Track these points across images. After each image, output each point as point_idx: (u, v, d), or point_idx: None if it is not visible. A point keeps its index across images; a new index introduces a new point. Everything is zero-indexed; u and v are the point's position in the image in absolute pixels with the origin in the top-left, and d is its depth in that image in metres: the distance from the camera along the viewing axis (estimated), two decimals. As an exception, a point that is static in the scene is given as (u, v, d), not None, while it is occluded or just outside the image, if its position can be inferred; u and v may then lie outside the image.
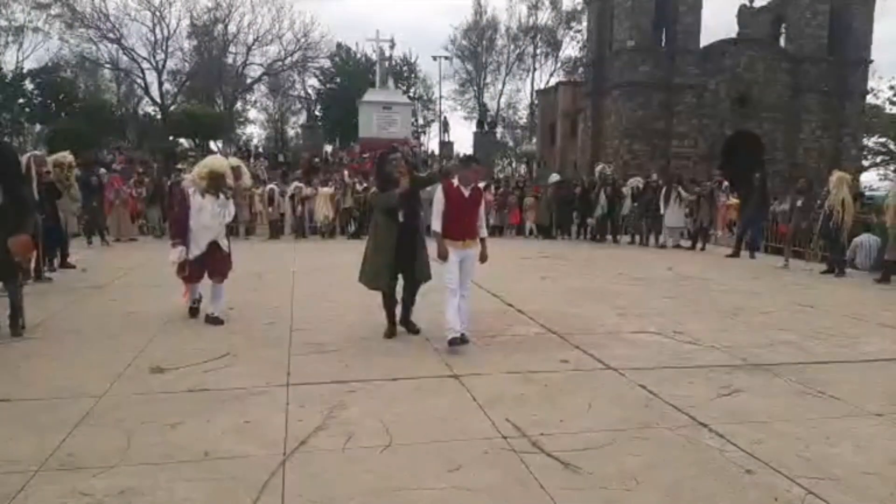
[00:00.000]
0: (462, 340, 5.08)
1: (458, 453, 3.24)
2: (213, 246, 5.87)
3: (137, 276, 8.82)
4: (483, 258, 5.37)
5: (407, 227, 5.31)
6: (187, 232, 5.77)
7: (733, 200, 15.04)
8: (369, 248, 5.44)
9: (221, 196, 5.86)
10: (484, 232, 5.42)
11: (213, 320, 5.89)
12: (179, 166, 18.54)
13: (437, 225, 5.11)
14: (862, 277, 9.64)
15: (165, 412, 3.72)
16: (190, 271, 5.86)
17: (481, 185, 5.43)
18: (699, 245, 13.59)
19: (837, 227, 9.69)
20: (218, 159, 6.24)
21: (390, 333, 5.49)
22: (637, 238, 14.67)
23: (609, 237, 14.97)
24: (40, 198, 7.46)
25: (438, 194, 5.15)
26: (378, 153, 6.00)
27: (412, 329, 5.63)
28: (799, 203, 10.70)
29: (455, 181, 5.20)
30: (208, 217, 5.77)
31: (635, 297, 7.81)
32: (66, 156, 9.46)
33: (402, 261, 5.35)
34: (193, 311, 6.12)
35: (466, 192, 5.18)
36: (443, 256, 5.09)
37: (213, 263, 5.89)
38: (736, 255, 12.16)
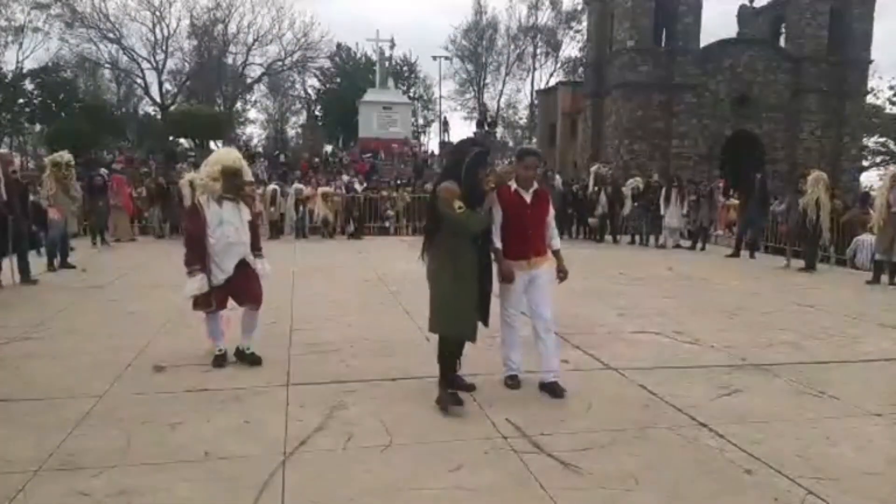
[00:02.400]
0: (516, 382, 4.22)
1: (458, 453, 3.24)
2: (242, 265, 4.59)
3: (137, 276, 8.82)
4: (561, 273, 4.25)
5: (484, 248, 4.03)
6: (206, 254, 4.48)
7: (733, 201, 15.05)
8: (446, 283, 3.81)
9: (241, 202, 4.62)
10: (556, 242, 4.30)
11: (251, 359, 4.64)
12: (180, 166, 18.52)
13: (497, 240, 4.05)
14: (863, 277, 9.63)
15: (165, 412, 3.72)
16: (215, 300, 4.57)
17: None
18: (699, 245, 13.61)
19: (812, 225, 10.02)
20: (228, 152, 4.79)
21: (455, 401, 3.86)
22: (637, 238, 14.68)
23: (609, 237, 14.98)
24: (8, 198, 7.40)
25: (493, 202, 4.02)
26: (475, 153, 3.86)
27: (466, 386, 4.14)
28: (799, 202, 10.70)
29: (512, 185, 4.12)
30: (232, 230, 4.49)
31: (635, 297, 7.81)
32: (64, 155, 9.46)
33: (483, 294, 4.00)
34: (219, 361, 4.62)
35: (528, 198, 4.09)
36: (508, 278, 4.03)
37: (244, 285, 4.60)
38: (736, 255, 12.18)
